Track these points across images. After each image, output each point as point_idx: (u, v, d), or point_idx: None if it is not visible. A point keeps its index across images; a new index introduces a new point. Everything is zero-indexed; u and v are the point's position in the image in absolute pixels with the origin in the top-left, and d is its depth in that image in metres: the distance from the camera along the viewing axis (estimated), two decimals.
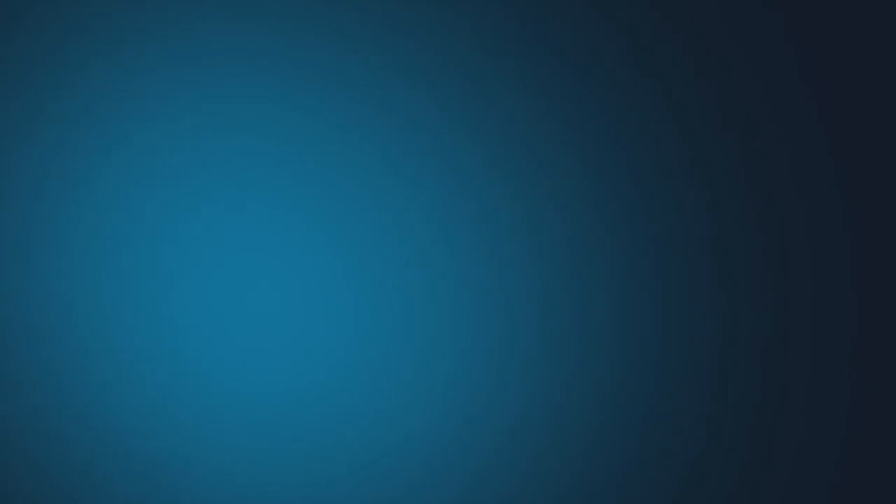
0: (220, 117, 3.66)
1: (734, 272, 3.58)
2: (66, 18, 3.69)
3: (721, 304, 3.58)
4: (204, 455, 3.63)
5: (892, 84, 3.59)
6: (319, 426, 3.62)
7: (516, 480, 3.60)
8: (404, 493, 3.61)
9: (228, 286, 3.64)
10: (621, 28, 3.61)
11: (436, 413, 3.61)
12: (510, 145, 3.62)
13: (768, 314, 3.57)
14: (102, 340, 3.65)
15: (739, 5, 3.60)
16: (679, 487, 3.57)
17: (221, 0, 3.67)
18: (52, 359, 3.65)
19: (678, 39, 3.60)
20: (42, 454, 3.66)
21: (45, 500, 3.64)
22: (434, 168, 3.62)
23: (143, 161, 3.67)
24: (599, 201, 3.60)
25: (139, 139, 3.67)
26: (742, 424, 3.56)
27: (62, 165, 3.68)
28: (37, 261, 3.67)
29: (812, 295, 3.57)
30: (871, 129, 3.59)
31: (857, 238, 3.57)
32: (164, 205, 3.66)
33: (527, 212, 3.61)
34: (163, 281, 3.65)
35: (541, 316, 3.60)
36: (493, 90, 3.63)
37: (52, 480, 3.65)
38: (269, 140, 3.65)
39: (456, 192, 3.62)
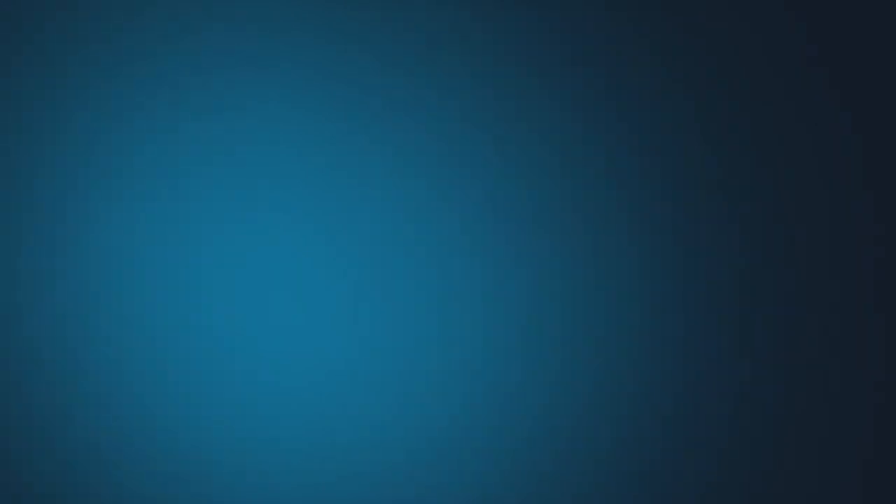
0: (232, 120, 3.67)
1: (753, 273, 3.59)
2: (82, 27, 3.71)
3: (740, 302, 3.58)
4: (217, 454, 3.63)
5: None
6: (333, 426, 3.62)
7: (529, 483, 3.60)
8: (413, 495, 3.61)
9: (249, 287, 3.65)
10: (637, 26, 3.61)
11: (451, 413, 3.61)
12: (523, 144, 3.62)
13: (784, 316, 3.57)
14: (116, 340, 3.66)
15: (753, 4, 3.61)
16: (698, 488, 3.57)
17: (232, 6, 3.68)
18: (57, 358, 3.66)
19: (697, 36, 3.61)
20: (57, 449, 3.67)
21: (60, 494, 3.65)
22: (446, 168, 3.63)
23: (153, 162, 3.68)
24: (615, 201, 3.60)
25: (151, 143, 3.68)
26: (760, 424, 3.56)
27: (83, 168, 3.69)
28: (60, 261, 3.68)
29: (831, 297, 3.58)
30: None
31: (874, 239, 3.57)
32: (179, 206, 3.66)
33: (540, 211, 3.61)
34: (181, 282, 3.65)
35: (554, 316, 3.60)
36: (504, 89, 3.63)
37: (60, 476, 3.66)
38: (281, 142, 3.66)
39: (466, 192, 3.62)
